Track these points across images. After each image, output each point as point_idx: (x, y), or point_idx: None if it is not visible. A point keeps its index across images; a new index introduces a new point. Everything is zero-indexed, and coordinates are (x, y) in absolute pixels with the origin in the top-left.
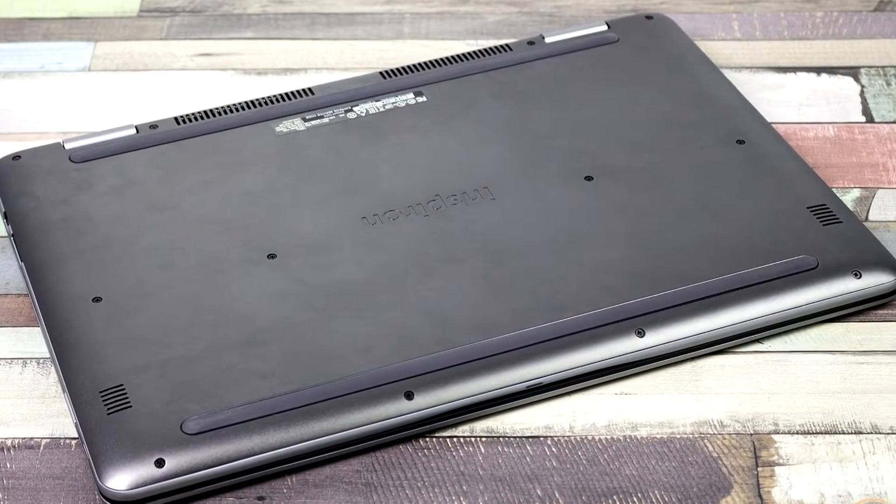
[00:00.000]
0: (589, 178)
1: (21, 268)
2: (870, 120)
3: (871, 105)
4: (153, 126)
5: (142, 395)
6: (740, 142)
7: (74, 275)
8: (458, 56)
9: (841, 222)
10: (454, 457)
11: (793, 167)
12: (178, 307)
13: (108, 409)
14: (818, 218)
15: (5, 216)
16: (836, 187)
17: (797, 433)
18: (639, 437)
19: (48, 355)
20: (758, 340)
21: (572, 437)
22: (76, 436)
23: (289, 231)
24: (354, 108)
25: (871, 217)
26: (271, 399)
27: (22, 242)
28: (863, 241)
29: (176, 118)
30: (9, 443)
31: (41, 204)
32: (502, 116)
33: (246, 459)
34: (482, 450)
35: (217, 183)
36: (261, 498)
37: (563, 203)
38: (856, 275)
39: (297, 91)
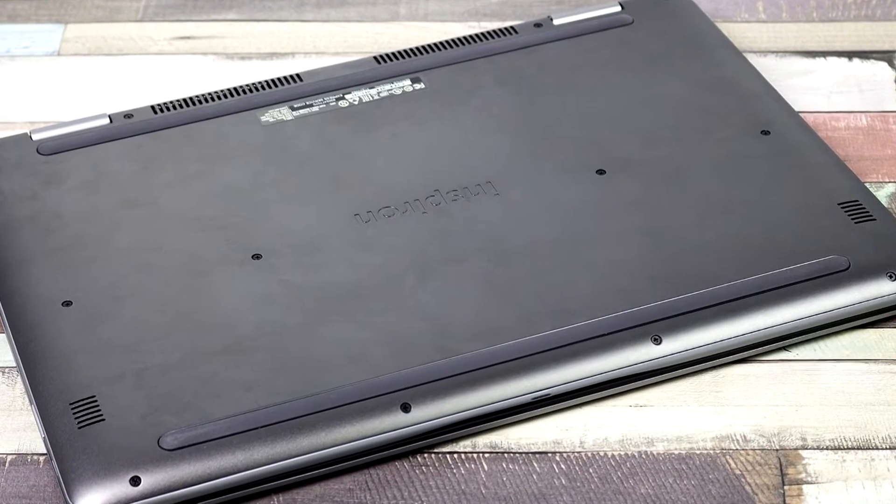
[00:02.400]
0: (601, 172)
1: None
2: None
3: None
4: (128, 115)
5: (116, 408)
6: (765, 132)
7: (43, 276)
8: (458, 39)
9: (874, 220)
10: (455, 474)
11: (822, 160)
12: (155, 312)
13: (79, 422)
14: (850, 215)
15: None
16: (870, 182)
17: (827, 448)
18: (655, 452)
19: (14, 364)
20: (784, 348)
21: (583, 454)
22: (44, 451)
23: (275, 229)
24: (346, 96)
25: None
26: (256, 412)
27: None
28: None
29: (153, 107)
30: None
31: (7, 199)
32: (507, 105)
33: (229, 477)
34: (485, 467)
35: (197, 177)
36: None
37: (573, 199)
38: (890, 276)
39: (285, 77)
